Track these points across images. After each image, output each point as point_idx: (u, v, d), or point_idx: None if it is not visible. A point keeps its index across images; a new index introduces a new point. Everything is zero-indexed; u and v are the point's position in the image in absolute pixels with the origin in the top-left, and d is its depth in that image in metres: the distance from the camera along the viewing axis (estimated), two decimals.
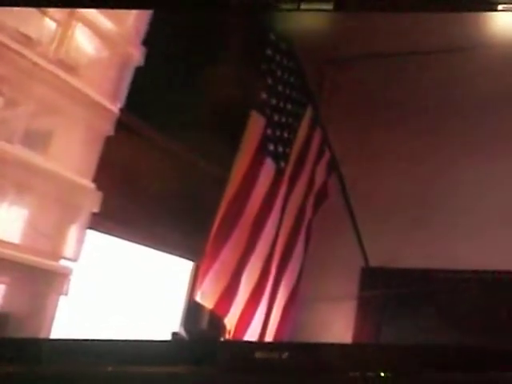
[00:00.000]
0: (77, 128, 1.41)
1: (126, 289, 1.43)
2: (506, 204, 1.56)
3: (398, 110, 1.63)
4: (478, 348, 1.15)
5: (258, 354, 0.96)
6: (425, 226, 1.61)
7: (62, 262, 1.35)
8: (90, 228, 1.37)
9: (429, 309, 1.54)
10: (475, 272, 1.55)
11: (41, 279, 1.31)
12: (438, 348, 1.06)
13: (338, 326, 1.63)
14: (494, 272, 1.54)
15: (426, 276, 1.58)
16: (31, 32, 1.36)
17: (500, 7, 1.29)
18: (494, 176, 1.62)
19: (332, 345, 1.02)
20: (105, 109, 1.41)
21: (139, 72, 1.44)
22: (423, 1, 1.37)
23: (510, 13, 1.30)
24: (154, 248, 1.49)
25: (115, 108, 1.41)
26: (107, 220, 1.39)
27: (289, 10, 1.37)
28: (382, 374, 0.95)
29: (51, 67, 1.35)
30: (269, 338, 1.46)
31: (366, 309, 1.65)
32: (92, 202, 1.36)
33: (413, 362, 0.98)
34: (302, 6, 1.33)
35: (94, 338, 1.24)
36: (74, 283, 1.34)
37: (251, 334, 1.42)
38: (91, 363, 1.15)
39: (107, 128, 1.40)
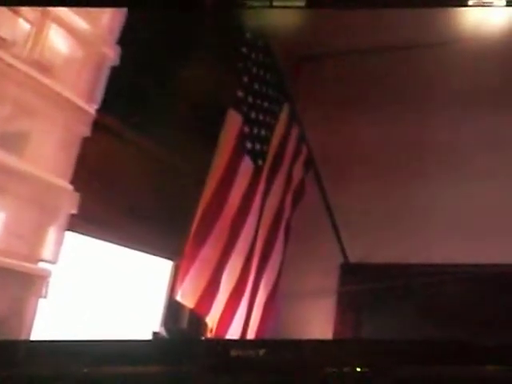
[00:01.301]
0: (53, 129, 1.40)
1: (106, 290, 1.43)
2: (485, 198, 1.57)
3: (375, 106, 1.63)
4: (456, 342, 1.16)
5: (234, 352, 0.96)
6: (403, 221, 1.61)
7: (41, 265, 1.34)
8: (69, 230, 1.36)
9: (408, 304, 1.55)
10: (454, 266, 1.56)
11: (19, 282, 1.30)
12: (415, 343, 1.07)
13: (317, 322, 1.63)
14: (473, 265, 1.54)
15: (404, 271, 1.59)
16: (4, 33, 1.35)
17: (470, 2, 1.30)
18: (471, 170, 1.63)
19: (308, 341, 1.03)
20: (81, 110, 1.40)
21: (114, 72, 1.43)
22: None
23: (480, 8, 1.31)
24: (134, 248, 1.49)
25: (91, 109, 1.41)
26: (86, 221, 1.39)
27: (262, 7, 1.37)
28: (359, 370, 0.95)
29: (26, 68, 1.34)
30: (250, 335, 1.46)
31: (345, 305, 1.65)
32: (70, 203, 1.36)
33: (389, 357, 0.99)
34: (275, 3, 1.33)
35: (73, 339, 1.24)
36: (54, 285, 1.33)
37: (233, 332, 1.42)
38: (71, 364, 1.14)
39: (84, 129, 1.39)
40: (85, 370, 0.99)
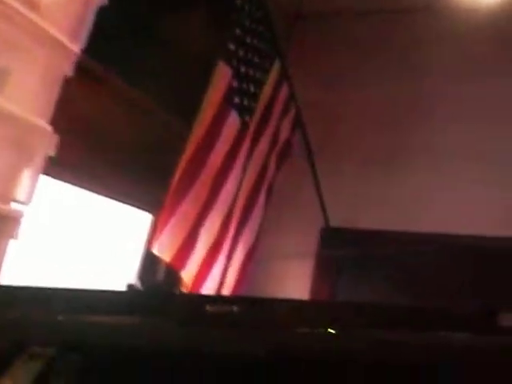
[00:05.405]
0: (35, 66, 1.34)
1: (82, 237, 1.40)
2: (467, 168, 1.56)
3: (368, 68, 1.60)
4: (426, 309, 1.15)
5: (209, 307, 0.93)
6: (386, 189, 1.60)
7: (14, 205, 1.30)
8: (47, 175, 1.32)
9: (384, 269, 1.54)
10: (431, 235, 1.55)
11: None
12: (388, 307, 1.06)
13: (295, 283, 1.62)
14: (449, 236, 1.54)
15: (383, 237, 1.58)
16: None
17: None
18: (454, 138, 1.61)
19: (282, 300, 1.01)
20: (65, 48, 1.34)
21: (102, 15, 1.38)
22: None
23: None
24: (113, 198, 1.46)
25: (76, 48, 1.35)
26: (65, 167, 1.34)
27: None
28: (331, 331, 0.93)
29: (11, 2, 1.28)
30: (225, 293, 1.44)
31: (323, 267, 1.64)
32: (48, 144, 1.31)
33: (361, 319, 0.97)
34: None
35: (45, 285, 1.20)
36: (28, 228, 1.29)
37: (208, 289, 1.40)
38: (42, 311, 1.11)
39: (66, 68, 1.34)
40: (59, 318, 0.95)
